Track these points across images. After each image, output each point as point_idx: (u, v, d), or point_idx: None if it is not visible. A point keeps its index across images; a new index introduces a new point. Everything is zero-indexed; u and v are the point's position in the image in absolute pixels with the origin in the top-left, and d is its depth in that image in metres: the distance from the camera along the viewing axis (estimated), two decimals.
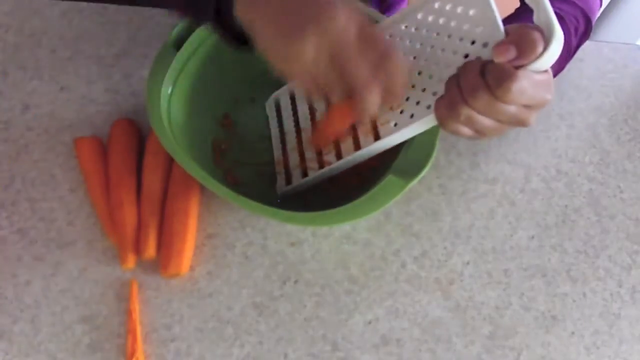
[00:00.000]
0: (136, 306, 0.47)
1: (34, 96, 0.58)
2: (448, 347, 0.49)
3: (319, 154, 0.50)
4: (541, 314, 0.51)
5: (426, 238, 0.54)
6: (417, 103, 0.42)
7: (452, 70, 0.39)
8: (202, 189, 0.54)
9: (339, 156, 0.47)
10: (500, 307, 0.51)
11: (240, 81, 0.57)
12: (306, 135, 0.51)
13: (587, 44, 0.71)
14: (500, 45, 0.36)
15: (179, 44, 0.51)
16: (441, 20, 0.41)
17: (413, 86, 0.43)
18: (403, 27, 0.44)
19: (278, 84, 0.57)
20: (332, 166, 0.48)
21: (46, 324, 0.47)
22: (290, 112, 0.54)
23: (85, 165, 0.53)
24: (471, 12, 0.39)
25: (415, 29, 0.43)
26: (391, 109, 0.44)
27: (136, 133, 0.55)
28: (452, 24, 0.40)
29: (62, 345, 0.46)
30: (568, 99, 0.66)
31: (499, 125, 0.40)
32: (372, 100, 0.39)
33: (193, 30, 0.51)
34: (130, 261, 0.48)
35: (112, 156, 0.53)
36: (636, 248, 0.56)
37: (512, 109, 0.38)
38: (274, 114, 0.56)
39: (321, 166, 0.49)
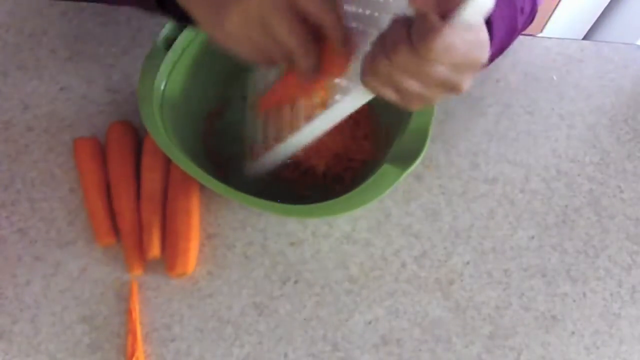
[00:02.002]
0: (136, 306, 0.47)
1: (34, 96, 0.58)
2: (448, 347, 0.49)
3: (279, 130, 0.49)
4: (541, 314, 0.51)
5: (426, 238, 0.54)
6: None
7: None
8: (202, 188, 0.54)
9: (293, 131, 0.46)
10: (500, 307, 0.51)
11: (231, 79, 0.57)
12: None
13: (587, 44, 0.71)
14: None
15: (168, 43, 0.51)
16: None
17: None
18: None
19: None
20: (288, 141, 0.47)
21: (46, 324, 0.47)
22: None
23: (82, 167, 0.53)
24: None
25: None
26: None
27: (133, 134, 0.55)
28: None
29: (62, 345, 0.46)
30: (568, 99, 0.66)
31: (425, 90, 0.36)
32: (306, 63, 0.41)
33: (182, 30, 0.51)
34: (138, 268, 0.49)
35: (111, 159, 0.53)
36: (636, 248, 0.56)
37: (439, 69, 0.34)
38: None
39: (277, 142, 0.48)
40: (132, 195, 0.51)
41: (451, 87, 0.36)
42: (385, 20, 0.40)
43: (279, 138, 0.48)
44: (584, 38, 1.36)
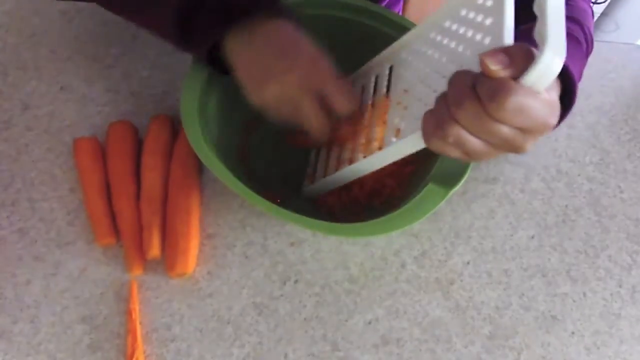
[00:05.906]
0: (136, 306, 0.47)
1: (34, 96, 0.58)
2: (448, 347, 0.49)
3: (338, 158, 0.50)
4: (541, 314, 0.51)
5: (426, 238, 0.54)
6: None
7: None
8: (202, 188, 0.54)
9: (350, 162, 0.47)
10: (500, 307, 0.51)
11: None
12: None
13: None
14: (490, 51, 0.32)
15: None
16: (462, 30, 0.40)
17: (420, 99, 0.42)
18: (431, 36, 0.44)
19: None
20: (344, 170, 0.47)
21: (46, 324, 0.47)
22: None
23: (82, 167, 0.53)
24: (488, 22, 0.37)
25: (440, 37, 0.43)
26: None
27: (133, 134, 0.55)
28: (469, 33, 0.39)
29: (62, 345, 0.46)
30: None
31: (489, 149, 0.35)
32: (319, 137, 0.47)
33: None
34: (138, 268, 0.49)
35: (111, 159, 0.53)
36: (636, 248, 0.56)
37: (504, 130, 0.33)
38: None
39: (337, 169, 0.49)
40: (132, 195, 0.51)
41: (514, 148, 0.35)
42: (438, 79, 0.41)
43: (337, 168, 0.49)
44: None
